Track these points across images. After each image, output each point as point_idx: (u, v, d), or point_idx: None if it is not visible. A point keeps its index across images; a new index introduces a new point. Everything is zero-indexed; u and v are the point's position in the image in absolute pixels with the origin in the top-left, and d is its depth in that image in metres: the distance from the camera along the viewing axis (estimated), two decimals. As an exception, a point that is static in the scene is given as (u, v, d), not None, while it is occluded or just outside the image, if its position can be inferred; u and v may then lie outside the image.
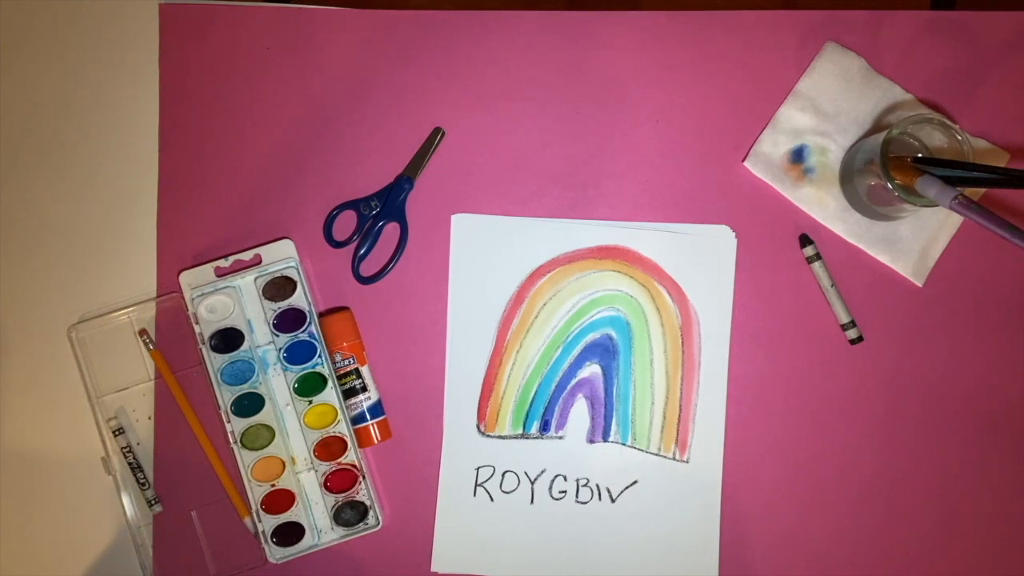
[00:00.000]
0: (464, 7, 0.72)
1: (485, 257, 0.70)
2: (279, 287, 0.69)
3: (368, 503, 0.68)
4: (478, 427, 0.69)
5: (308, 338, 0.68)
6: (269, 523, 0.67)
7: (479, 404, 0.69)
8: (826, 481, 0.68)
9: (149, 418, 0.69)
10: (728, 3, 1.26)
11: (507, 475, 0.69)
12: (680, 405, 0.69)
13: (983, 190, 0.68)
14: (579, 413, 0.69)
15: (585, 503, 0.69)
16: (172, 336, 0.69)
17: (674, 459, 0.68)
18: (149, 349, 0.68)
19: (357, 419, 0.68)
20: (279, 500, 0.67)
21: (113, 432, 0.68)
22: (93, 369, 0.69)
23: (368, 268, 0.70)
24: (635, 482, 0.69)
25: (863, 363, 0.68)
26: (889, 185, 0.61)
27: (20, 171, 0.71)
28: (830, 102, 0.69)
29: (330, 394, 0.68)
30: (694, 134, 0.70)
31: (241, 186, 0.71)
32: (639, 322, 0.69)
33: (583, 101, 0.70)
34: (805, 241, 0.69)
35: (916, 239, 0.68)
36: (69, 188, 0.71)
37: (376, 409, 0.68)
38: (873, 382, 0.68)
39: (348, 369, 0.68)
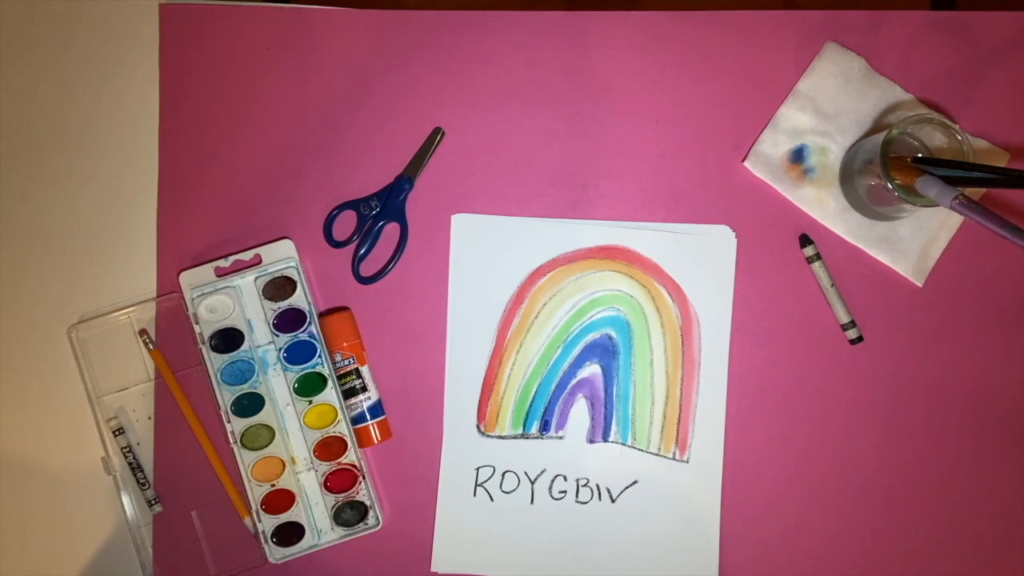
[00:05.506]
0: (464, 7, 0.72)
1: (485, 257, 0.70)
2: (279, 287, 0.68)
3: (368, 503, 0.68)
4: (478, 427, 0.69)
5: (308, 338, 0.68)
6: (269, 523, 0.67)
7: (479, 404, 0.69)
8: (826, 481, 0.68)
9: (149, 418, 0.69)
10: (728, 3, 1.26)
11: (507, 475, 0.69)
12: (680, 405, 0.69)
13: (983, 190, 0.68)
14: (579, 413, 0.69)
15: (585, 503, 0.69)
16: (172, 336, 0.69)
17: (674, 459, 0.68)
18: (149, 349, 0.68)
19: (357, 419, 0.68)
20: (279, 500, 0.67)
21: (113, 432, 0.68)
22: (93, 369, 0.69)
23: (368, 268, 0.70)
24: (635, 482, 0.69)
25: (863, 363, 0.68)
26: (889, 185, 0.61)
27: (20, 171, 0.71)
28: (830, 102, 0.69)
29: (330, 394, 0.68)
30: (694, 134, 0.70)
31: (241, 186, 0.71)
32: (639, 322, 0.69)
33: (583, 101, 0.70)
34: (805, 241, 0.69)
35: (916, 239, 0.68)
36: (69, 188, 0.71)
37: (376, 409, 0.68)
38: (873, 382, 0.68)
39: (348, 369, 0.68)
